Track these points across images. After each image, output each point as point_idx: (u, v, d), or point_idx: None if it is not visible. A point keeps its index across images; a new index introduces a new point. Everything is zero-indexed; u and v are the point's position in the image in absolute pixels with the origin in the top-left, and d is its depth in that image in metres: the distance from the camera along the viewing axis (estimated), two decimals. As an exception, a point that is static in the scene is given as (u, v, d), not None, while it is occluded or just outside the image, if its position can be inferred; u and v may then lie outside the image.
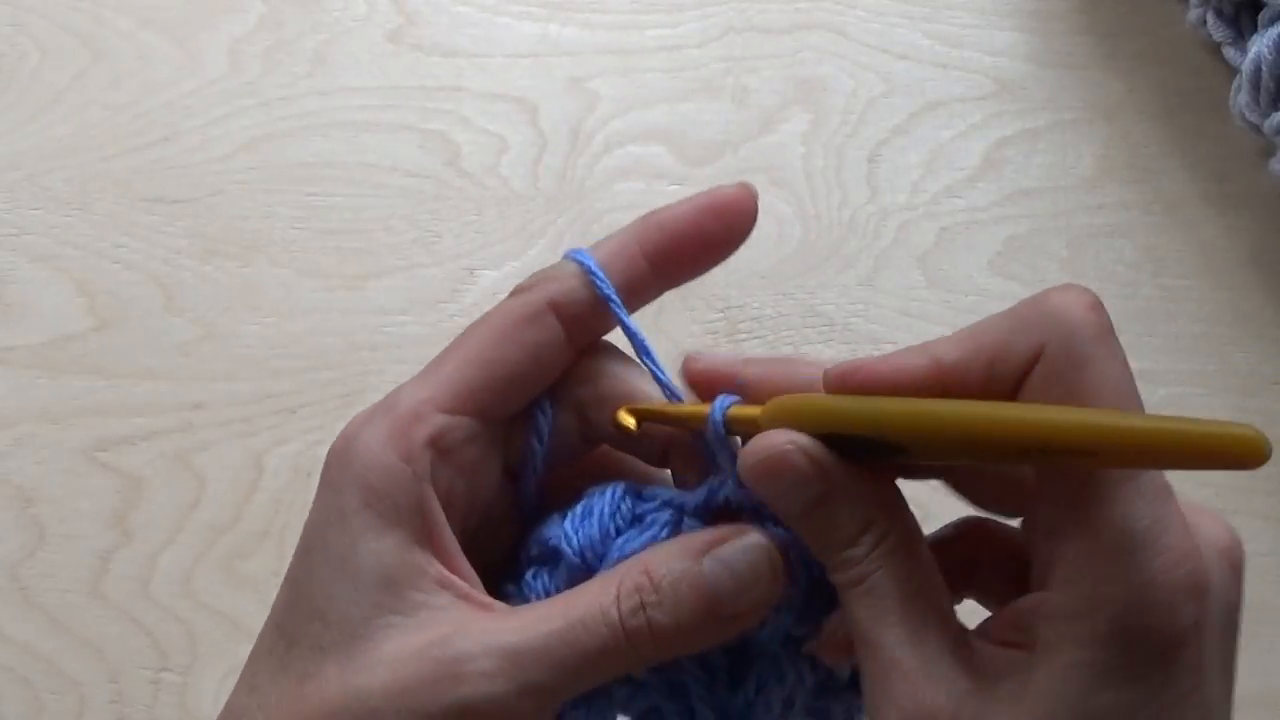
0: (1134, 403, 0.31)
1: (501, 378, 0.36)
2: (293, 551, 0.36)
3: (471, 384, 0.36)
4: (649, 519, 0.36)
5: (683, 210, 0.37)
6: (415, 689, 0.33)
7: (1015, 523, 0.37)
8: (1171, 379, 0.62)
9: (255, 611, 0.37)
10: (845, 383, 0.34)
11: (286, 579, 0.36)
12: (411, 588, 0.34)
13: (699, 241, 0.38)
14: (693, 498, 0.36)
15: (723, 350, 0.36)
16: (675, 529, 0.36)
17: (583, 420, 0.38)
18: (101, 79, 0.68)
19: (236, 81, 0.68)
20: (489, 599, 0.35)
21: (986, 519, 0.38)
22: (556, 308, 0.37)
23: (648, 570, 0.34)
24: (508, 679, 0.33)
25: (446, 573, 0.35)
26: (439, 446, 0.35)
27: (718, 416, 0.35)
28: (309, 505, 0.36)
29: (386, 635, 0.34)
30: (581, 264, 0.37)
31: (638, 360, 0.38)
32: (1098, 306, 0.32)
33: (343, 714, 0.33)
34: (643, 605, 0.34)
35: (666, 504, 0.36)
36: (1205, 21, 0.66)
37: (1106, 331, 0.31)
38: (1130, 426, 0.29)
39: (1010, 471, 0.34)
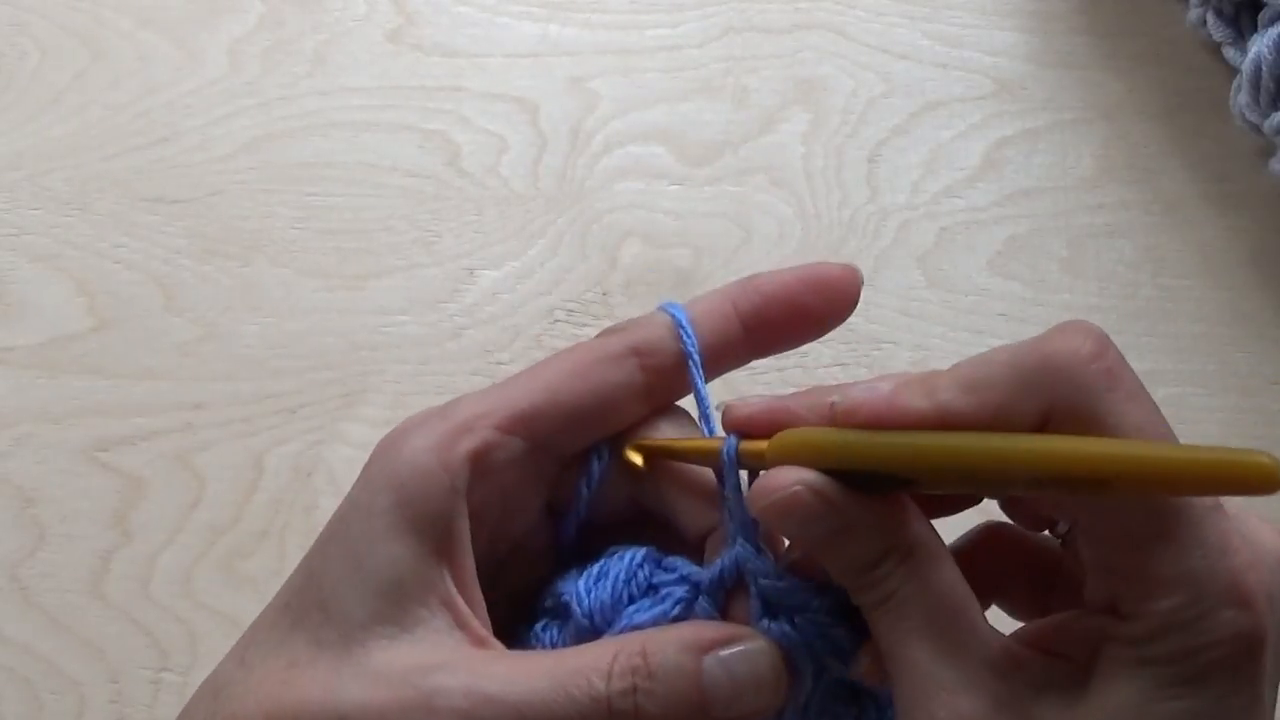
0: (1158, 437, 0.31)
1: (564, 408, 0.36)
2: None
3: (533, 408, 0.36)
4: (663, 592, 0.35)
5: (784, 279, 0.37)
6: (387, 710, 0.33)
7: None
8: (1171, 379, 0.62)
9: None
10: (850, 419, 0.33)
11: (304, 560, 0.36)
12: (416, 602, 0.34)
13: (796, 313, 0.37)
14: (708, 574, 0.35)
15: (756, 396, 0.36)
16: (688, 606, 0.35)
17: (635, 477, 0.37)
18: (101, 79, 0.68)
19: (236, 81, 0.68)
20: (485, 633, 0.35)
21: (1007, 524, 0.37)
22: (639, 354, 0.36)
23: (645, 653, 0.34)
24: None
25: (454, 593, 0.35)
26: (481, 462, 0.35)
27: (731, 456, 0.35)
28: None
29: (379, 645, 0.34)
30: (673, 317, 0.36)
31: (699, 425, 0.37)
32: (1101, 351, 0.31)
33: (315, 713, 0.33)
34: (635, 689, 0.33)
35: (683, 579, 0.36)
36: (1205, 21, 0.66)
37: (1116, 377, 0.31)
38: (1143, 456, 0.29)
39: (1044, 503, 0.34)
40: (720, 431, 0.36)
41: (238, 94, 0.67)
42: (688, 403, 0.38)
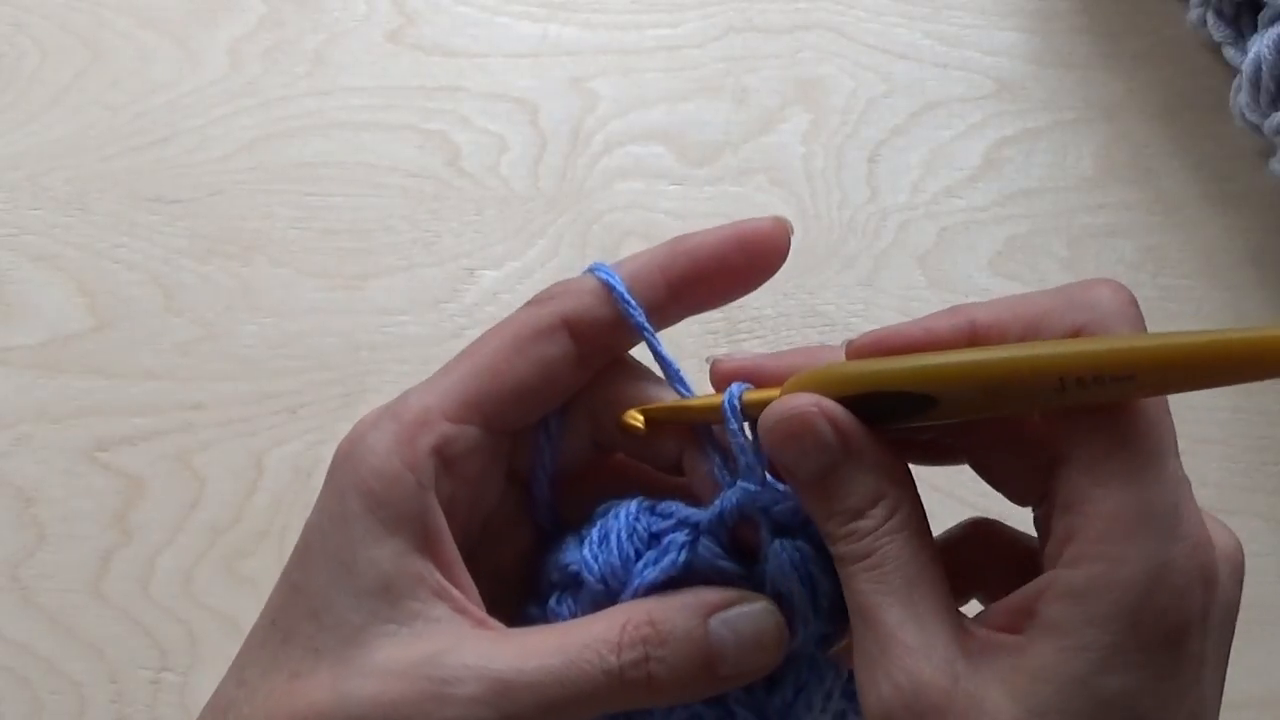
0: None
1: (509, 389, 0.36)
2: (293, 551, 0.36)
3: (479, 394, 0.36)
4: (666, 540, 0.36)
5: (710, 238, 0.37)
6: (401, 705, 0.33)
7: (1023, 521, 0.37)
8: (1171, 379, 0.62)
9: (255, 611, 0.37)
10: (877, 348, 0.34)
11: (283, 576, 0.36)
12: (409, 596, 0.34)
13: (721, 272, 0.37)
14: (706, 514, 0.36)
15: (745, 350, 0.36)
16: (692, 549, 0.35)
17: (596, 426, 0.38)
18: (101, 79, 0.68)
19: (236, 81, 0.68)
20: (485, 615, 0.35)
21: (995, 521, 0.38)
22: (570, 324, 0.36)
23: (653, 622, 0.34)
24: (492, 708, 0.33)
25: (445, 583, 0.35)
26: (443, 455, 0.35)
27: (734, 401, 0.35)
28: (309, 505, 0.36)
29: (380, 644, 0.34)
30: (606, 282, 0.37)
31: (661, 377, 0.38)
32: (1137, 304, 0.32)
33: (329, 717, 0.33)
34: (647, 658, 0.34)
35: (682, 523, 0.36)
36: (1205, 21, 0.66)
37: (1143, 327, 0.32)
38: (1166, 345, 0.30)
39: (1033, 452, 0.34)
40: (695, 389, 0.37)
41: (238, 94, 0.67)
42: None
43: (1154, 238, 0.65)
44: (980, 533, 0.38)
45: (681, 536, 0.36)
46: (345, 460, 0.35)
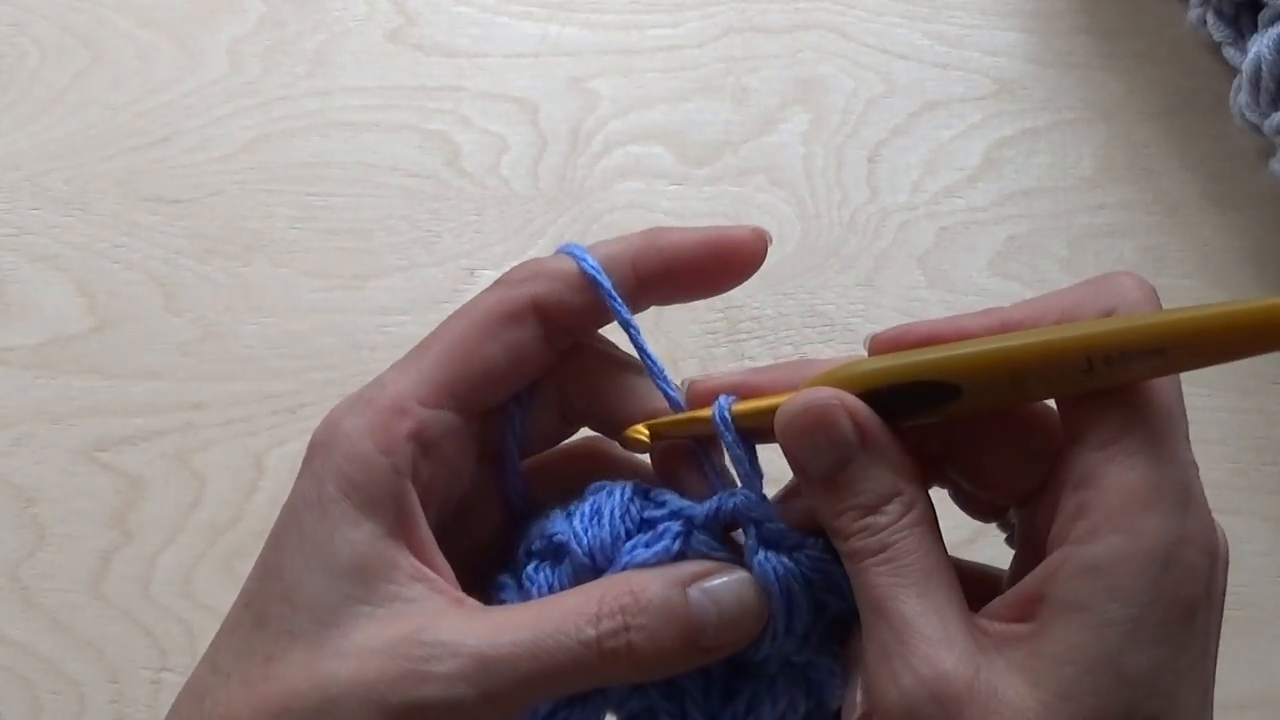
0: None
1: (480, 372, 0.36)
2: (268, 536, 0.36)
3: (452, 378, 0.36)
4: (660, 528, 0.36)
5: (685, 237, 0.38)
6: (378, 682, 0.32)
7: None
8: (1171, 379, 0.62)
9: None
10: (901, 341, 0.34)
11: (259, 560, 0.36)
12: (384, 579, 0.34)
13: (690, 272, 0.38)
14: (702, 509, 0.36)
15: (724, 367, 0.37)
16: (686, 540, 0.35)
17: (564, 400, 0.38)
18: (101, 79, 0.68)
19: (236, 81, 0.68)
20: (462, 594, 0.35)
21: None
22: (539, 309, 0.37)
23: (632, 591, 0.34)
24: (471, 684, 0.32)
25: (421, 566, 0.35)
26: (421, 441, 0.35)
27: (724, 413, 0.35)
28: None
29: (356, 624, 0.33)
30: (589, 275, 0.37)
31: (629, 355, 0.38)
32: (1157, 295, 0.33)
33: (305, 698, 0.33)
34: (626, 627, 0.33)
35: (675, 514, 0.36)
36: (1205, 21, 0.66)
37: None
38: (1197, 315, 0.30)
39: (1030, 444, 0.34)
40: (678, 397, 0.37)
41: (238, 94, 0.67)
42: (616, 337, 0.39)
43: (1154, 238, 0.64)
44: None
45: (676, 526, 0.36)
46: (321, 446, 0.36)
